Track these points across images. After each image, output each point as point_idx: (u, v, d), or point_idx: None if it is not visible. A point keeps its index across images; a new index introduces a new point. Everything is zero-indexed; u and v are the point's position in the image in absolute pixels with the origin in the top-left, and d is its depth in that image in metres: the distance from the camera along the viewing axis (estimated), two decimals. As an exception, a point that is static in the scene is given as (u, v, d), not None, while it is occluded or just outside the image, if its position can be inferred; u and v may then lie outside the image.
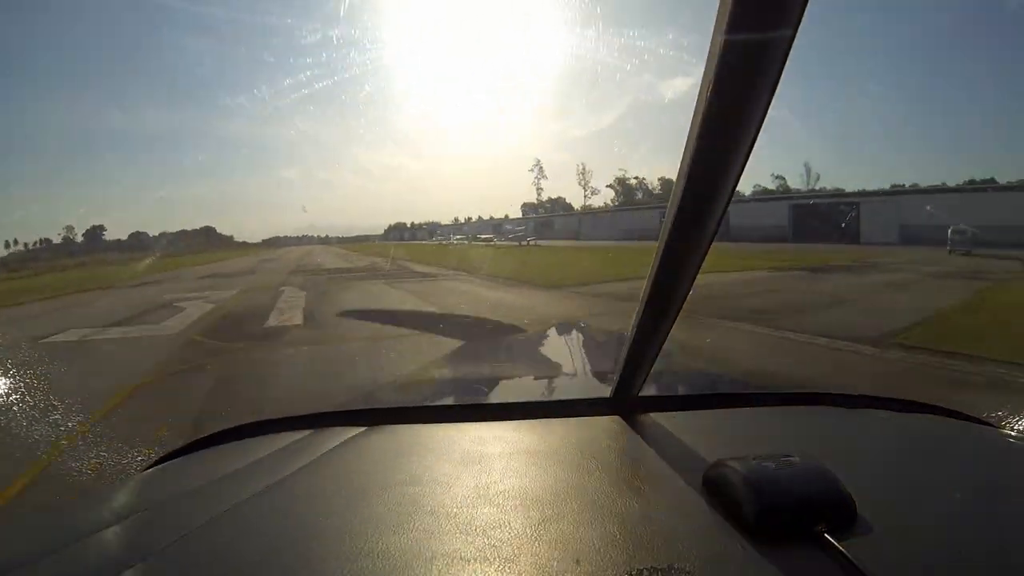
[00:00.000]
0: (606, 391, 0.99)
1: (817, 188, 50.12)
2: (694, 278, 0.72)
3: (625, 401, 0.95)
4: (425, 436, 0.90)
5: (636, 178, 69.38)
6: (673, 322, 0.81)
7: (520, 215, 70.21)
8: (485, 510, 0.63)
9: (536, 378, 1.51)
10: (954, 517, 0.61)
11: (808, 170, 53.07)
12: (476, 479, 0.72)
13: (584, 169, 68.61)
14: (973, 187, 29.03)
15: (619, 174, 69.67)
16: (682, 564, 0.51)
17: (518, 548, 0.55)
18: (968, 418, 0.98)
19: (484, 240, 44.04)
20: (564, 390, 1.29)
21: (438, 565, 0.53)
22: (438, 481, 0.72)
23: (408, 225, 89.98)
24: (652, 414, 0.94)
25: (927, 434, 0.92)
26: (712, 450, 0.75)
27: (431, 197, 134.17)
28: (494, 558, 0.53)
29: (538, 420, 0.93)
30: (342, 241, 79.55)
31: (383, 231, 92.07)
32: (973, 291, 10.20)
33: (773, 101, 0.52)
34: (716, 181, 0.60)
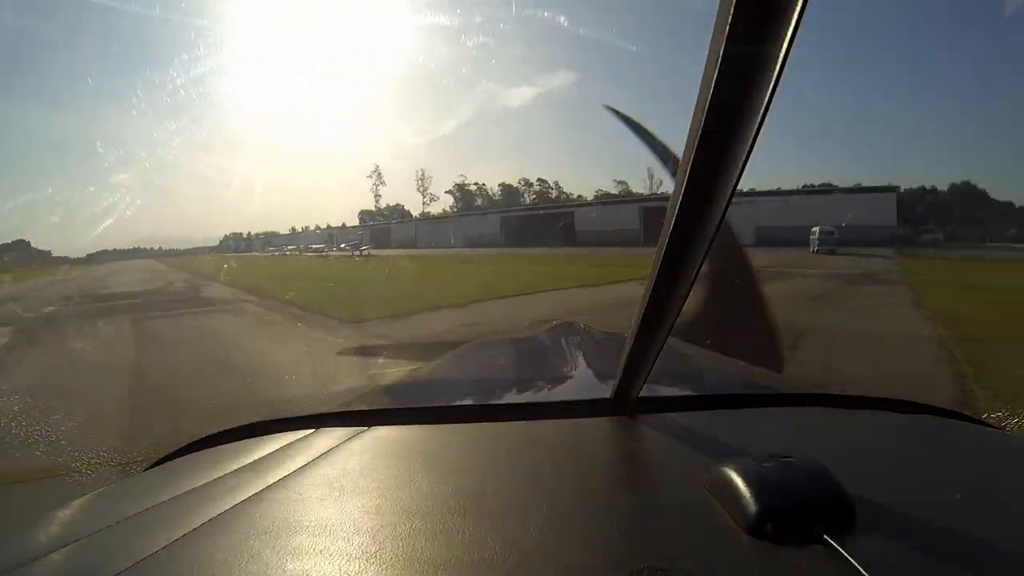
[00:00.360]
0: (606, 392, 0.98)
1: (659, 192, 52.45)
2: (694, 279, 0.72)
3: (625, 402, 0.95)
4: (425, 437, 0.91)
5: (476, 184, 68.01)
6: (674, 322, 0.80)
7: (358, 223, 65.24)
8: (485, 511, 0.63)
9: (536, 379, 1.44)
10: (954, 518, 0.61)
11: (651, 175, 55.21)
12: (476, 480, 0.73)
13: (423, 175, 65.85)
14: (812, 190, 30.96)
15: (459, 180, 67.90)
16: (682, 564, 0.51)
17: (518, 549, 0.55)
18: (968, 418, 1.00)
19: (316, 250, 40.70)
20: (564, 391, 1.26)
21: (437, 566, 0.53)
22: (438, 481, 0.72)
23: (244, 236, 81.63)
24: (652, 415, 0.95)
25: (927, 434, 0.92)
26: (712, 451, 0.77)
27: (271, 206, 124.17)
28: (493, 559, 0.54)
29: (538, 421, 0.94)
30: (172, 254, 67.92)
31: (219, 242, 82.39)
32: (914, 301, 8.16)
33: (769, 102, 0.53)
34: (716, 182, 0.60)
